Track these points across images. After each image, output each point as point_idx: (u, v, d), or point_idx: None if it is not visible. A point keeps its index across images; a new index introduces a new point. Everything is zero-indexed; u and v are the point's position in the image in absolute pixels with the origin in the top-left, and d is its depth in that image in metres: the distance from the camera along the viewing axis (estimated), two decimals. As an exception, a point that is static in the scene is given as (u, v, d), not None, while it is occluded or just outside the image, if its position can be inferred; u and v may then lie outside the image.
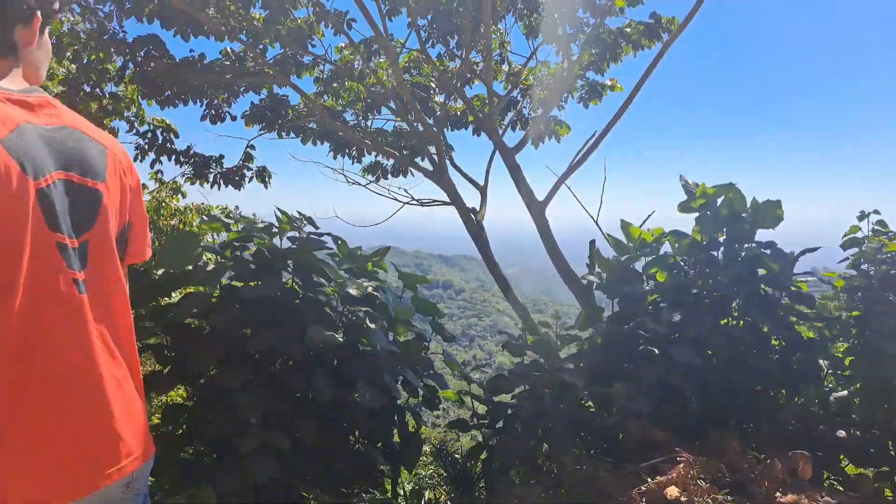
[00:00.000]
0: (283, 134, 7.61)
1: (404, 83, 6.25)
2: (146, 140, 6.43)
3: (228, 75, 6.82)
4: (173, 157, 6.49)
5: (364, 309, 3.16)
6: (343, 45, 7.78)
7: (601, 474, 2.31)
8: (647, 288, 3.60)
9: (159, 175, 6.87)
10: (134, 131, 6.39)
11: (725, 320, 3.46)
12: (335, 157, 8.39)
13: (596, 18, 7.53)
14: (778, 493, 2.17)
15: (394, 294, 3.28)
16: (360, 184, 7.45)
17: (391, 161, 8.79)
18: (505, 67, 8.39)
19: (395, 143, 8.59)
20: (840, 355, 3.40)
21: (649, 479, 2.20)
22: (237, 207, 3.49)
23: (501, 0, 7.77)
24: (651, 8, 7.42)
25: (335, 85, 7.70)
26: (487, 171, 6.46)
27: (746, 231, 3.41)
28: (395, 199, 7.01)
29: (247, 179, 6.84)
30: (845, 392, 3.15)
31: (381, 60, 8.00)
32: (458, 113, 8.58)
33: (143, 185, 7.62)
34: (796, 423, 3.08)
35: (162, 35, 6.53)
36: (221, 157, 6.76)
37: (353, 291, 3.17)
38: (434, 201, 6.62)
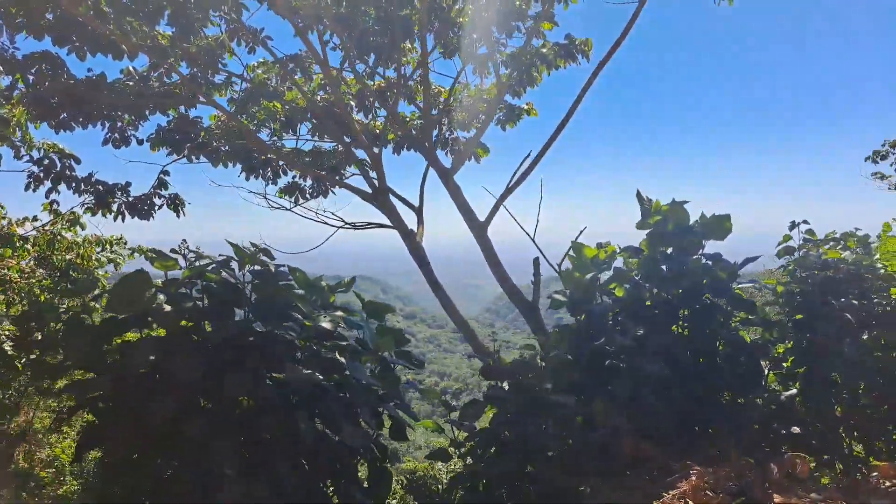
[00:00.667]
0: (194, 158, 7.13)
1: (341, 99, 6.08)
2: (41, 167, 5.72)
3: (132, 96, 6.28)
4: (72, 185, 5.81)
5: (342, 343, 3.00)
6: (256, 63, 7.46)
7: (613, 494, 2.33)
8: (607, 303, 3.72)
9: (54, 206, 6.13)
10: (26, 158, 5.67)
11: (676, 329, 3.64)
12: (248, 179, 7.99)
13: (509, 38, 7.80)
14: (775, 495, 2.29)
15: (369, 326, 3.14)
16: (284, 208, 7.10)
17: (308, 182, 8.52)
18: (424, 88, 8.44)
19: (313, 163, 8.34)
20: (779, 355, 3.70)
21: (665, 495, 2.24)
22: (184, 241, 3.15)
23: (418, 19, 7.81)
24: (566, 29, 7.74)
25: (249, 104, 7.33)
26: (422, 192, 6.43)
27: (694, 244, 3.63)
28: (326, 223, 6.74)
29: (156, 208, 6.29)
30: (794, 391, 3.42)
31: (298, 78, 7.75)
32: (378, 131, 8.50)
33: (34, 217, 6.81)
34: (756, 423, 3.30)
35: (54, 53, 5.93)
36: (128, 184, 6.17)
37: (326, 325, 2.99)
38: (369, 224, 6.45)
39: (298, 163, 7.21)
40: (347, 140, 8.31)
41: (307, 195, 8.52)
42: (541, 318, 4.81)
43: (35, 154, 5.74)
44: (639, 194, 3.60)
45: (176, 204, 6.45)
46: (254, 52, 6.87)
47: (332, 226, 6.59)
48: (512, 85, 8.04)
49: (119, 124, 6.18)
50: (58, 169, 5.76)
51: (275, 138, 8.01)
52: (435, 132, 8.52)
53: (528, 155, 5.40)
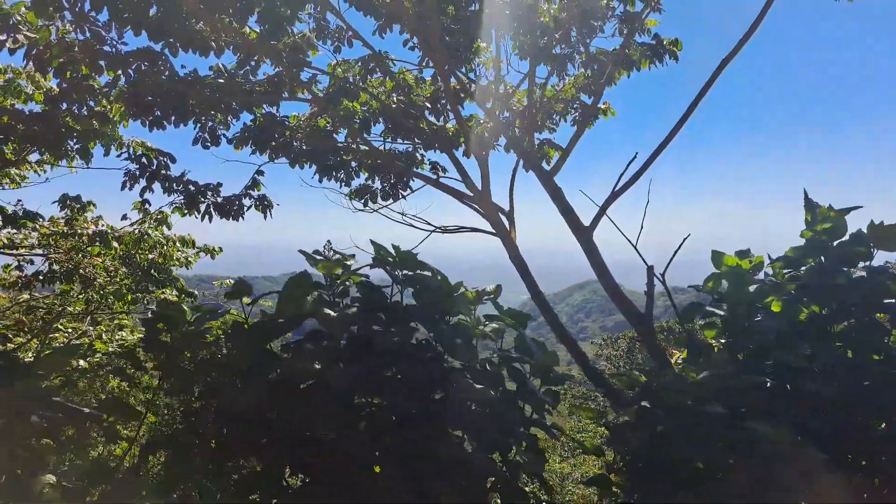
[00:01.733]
0: (274, 158, 7.05)
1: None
2: (138, 166, 5.66)
3: (225, 94, 6.21)
4: (165, 184, 5.75)
5: (514, 357, 2.81)
6: (336, 61, 7.35)
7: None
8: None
9: (146, 205, 6.09)
10: (124, 156, 5.62)
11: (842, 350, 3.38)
12: (321, 181, 7.88)
13: (590, 38, 7.59)
14: None
15: (535, 340, 2.95)
16: (372, 210, 6.98)
17: (379, 184, 8.39)
18: (501, 89, 8.27)
19: (382, 164, 8.21)
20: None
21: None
22: (329, 242, 3.02)
23: (496, 20, 7.64)
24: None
25: (330, 105, 7.22)
26: (511, 194, 6.21)
27: (862, 255, 3.37)
28: (413, 226, 6.57)
29: (245, 209, 6.20)
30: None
31: (375, 78, 7.64)
32: (452, 133, 8.34)
33: (123, 215, 6.81)
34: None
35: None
36: (219, 184, 6.09)
37: (491, 335, 2.81)
38: (461, 228, 6.27)
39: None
40: (419, 141, 8.20)
41: (378, 198, 8.38)
42: (655, 336, 4.57)
43: (131, 152, 5.69)
44: (807, 198, 3.36)
45: (264, 205, 6.35)
46: (339, 51, 6.77)
47: (423, 229, 6.42)
48: (588, 85, 7.85)
49: (210, 123, 6.10)
50: (154, 168, 5.70)
51: (348, 140, 7.90)
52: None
53: (635, 157, 5.16)
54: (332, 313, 2.63)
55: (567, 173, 7.71)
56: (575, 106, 8.16)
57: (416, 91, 8.02)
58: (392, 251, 3.01)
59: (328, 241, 3.22)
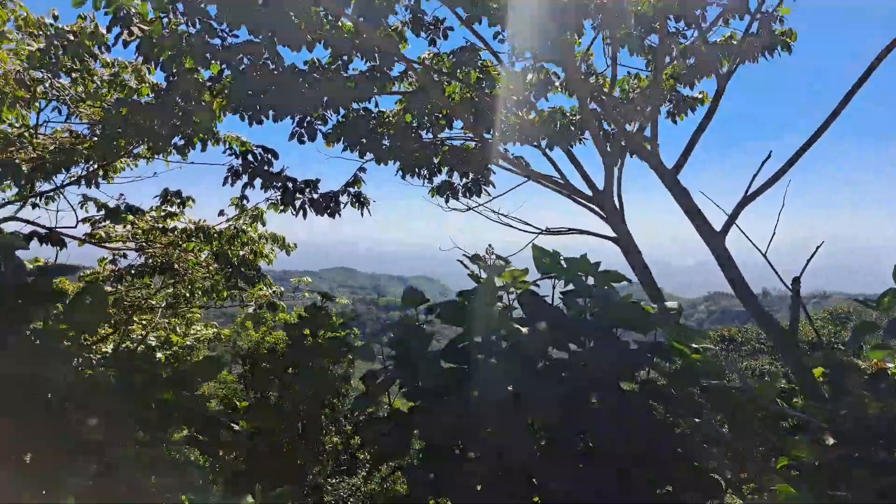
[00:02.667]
0: (362, 154, 6.88)
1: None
2: (242, 162, 5.57)
3: (317, 88, 6.07)
4: (265, 181, 5.64)
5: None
6: (426, 54, 7.14)
7: None
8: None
9: (244, 201, 6.00)
10: (230, 151, 5.54)
11: None
12: (403, 178, 7.70)
13: (689, 28, 7.21)
14: None
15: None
16: (467, 208, 6.74)
17: (460, 180, 8.17)
18: (592, 80, 7.95)
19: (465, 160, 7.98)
20: None
21: None
22: (490, 246, 2.81)
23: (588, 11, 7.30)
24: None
25: (420, 99, 7.02)
26: (619, 193, 5.87)
27: None
28: (511, 226, 6.32)
29: (342, 206, 6.05)
30: None
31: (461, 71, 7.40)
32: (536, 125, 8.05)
33: (220, 211, 6.76)
34: None
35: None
36: (317, 181, 5.96)
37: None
38: (570, 230, 5.97)
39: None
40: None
41: (458, 195, 8.16)
42: (800, 354, 4.21)
43: (236, 149, 5.61)
44: None
45: (361, 202, 6.19)
46: (434, 43, 6.56)
47: (525, 231, 6.15)
48: (685, 74, 7.47)
49: (308, 118, 5.97)
50: (256, 164, 5.60)
51: (433, 135, 7.69)
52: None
53: (769, 157, 4.79)
54: (522, 330, 2.40)
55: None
56: (670, 97, 7.81)
57: (500, 83, 7.77)
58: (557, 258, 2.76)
59: (489, 245, 3.00)
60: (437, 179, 8.05)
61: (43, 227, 5.48)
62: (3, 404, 2.14)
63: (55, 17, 5.11)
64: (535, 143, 8.23)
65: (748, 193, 4.77)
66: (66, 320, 2.55)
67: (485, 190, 8.10)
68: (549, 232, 5.94)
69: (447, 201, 8.18)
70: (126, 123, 4.73)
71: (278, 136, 7.48)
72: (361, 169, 6.34)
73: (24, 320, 2.45)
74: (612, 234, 5.44)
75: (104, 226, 6.25)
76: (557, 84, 7.93)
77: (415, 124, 7.42)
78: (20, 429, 2.15)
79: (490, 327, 2.46)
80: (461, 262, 3.07)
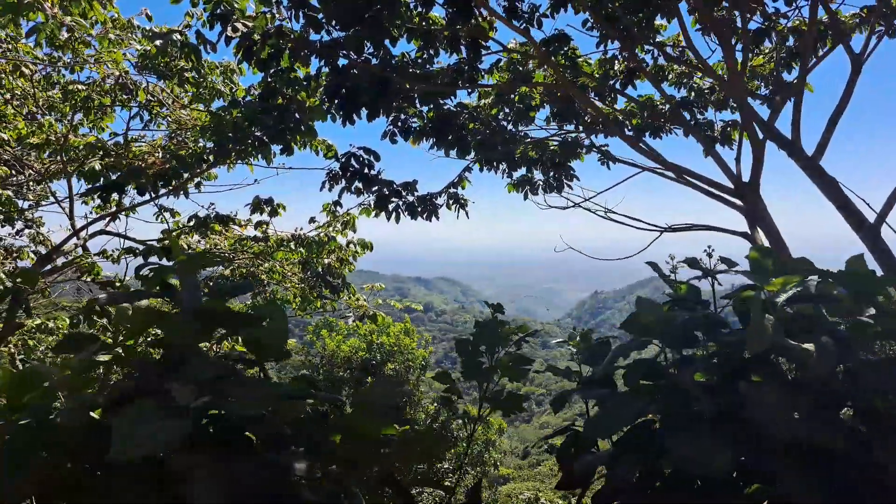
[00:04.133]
0: (449, 151, 6.52)
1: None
2: (343, 165, 5.23)
3: (415, 82, 5.72)
4: (365, 184, 5.29)
5: None
6: (513, 43, 6.74)
7: None
8: None
9: (338, 207, 5.66)
10: (332, 155, 5.20)
11: None
12: (481, 171, 7.32)
13: (788, 6, 6.68)
14: None
15: None
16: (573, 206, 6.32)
17: (540, 176, 7.77)
18: (678, 68, 7.49)
19: (543, 156, 7.56)
20: None
21: None
22: (671, 256, 2.43)
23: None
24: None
25: (507, 92, 6.62)
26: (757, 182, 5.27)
27: None
28: (620, 222, 5.87)
29: (439, 208, 5.67)
30: None
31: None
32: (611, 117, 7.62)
33: (311, 218, 6.45)
34: None
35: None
36: (415, 182, 5.59)
37: None
38: (693, 226, 5.50)
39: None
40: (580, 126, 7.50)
41: (537, 190, 7.76)
42: None
43: (337, 152, 5.28)
44: None
45: (459, 203, 5.81)
46: (528, 32, 6.14)
47: (643, 229, 5.70)
48: (784, 58, 6.94)
49: (402, 115, 5.61)
50: (356, 168, 5.25)
51: (512, 127, 7.29)
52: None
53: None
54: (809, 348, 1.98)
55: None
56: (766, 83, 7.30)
57: (585, 69, 7.34)
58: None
59: (709, 246, 2.58)
60: (516, 174, 7.67)
61: (138, 240, 5.21)
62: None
63: (148, 18, 4.84)
64: (617, 135, 7.81)
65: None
66: (251, 346, 2.21)
67: (566, 184, 7.69)
68: (671, 229, 5.48)
69: (525, 197, 7.78)
70: (236, 127, 4.42)
71: (349, 139, 7.09)
72: (468, 168, 5.94)
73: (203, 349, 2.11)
74: (745, 230, 4.98)
75: (185, 238, 5.95)
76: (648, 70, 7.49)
77: (501, 117, 7.04)
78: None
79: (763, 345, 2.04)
80: (652, 266, 2.66)
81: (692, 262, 2.47)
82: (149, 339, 2.30)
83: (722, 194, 5.07)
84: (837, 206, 4.46)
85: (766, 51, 7.42)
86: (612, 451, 2.21)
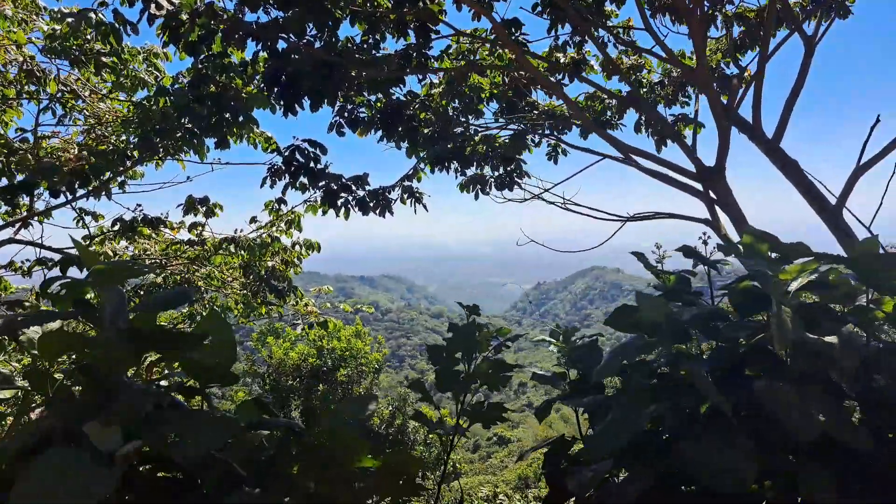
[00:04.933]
0: (399, 143, 6.19)
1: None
2: (286, 159, 4.80)
3: (354, 70, 5.35)
4: (311, 179, 4.89)
5: None
6: (464, 31, 6.47)
7: None
8: None
9: (282, 205, 5.22)
10: (274, 149, 4.77)
11: None
12: (433, 171, 7.02)
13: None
14: None
15: None
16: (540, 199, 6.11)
17: (495, 172, 7.56)
18: (626, 60, 7.44)
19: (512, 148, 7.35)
20: None
21: None
22: (706, 235, 2.22)
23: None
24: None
25: (456, 83, 6.36)
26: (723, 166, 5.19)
27: None
28: (587, 215, 5.71)
29: (393, 203, 5.34)
30: None
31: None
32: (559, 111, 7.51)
33: (252, 218, 5.96)
34: None
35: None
36: (366, 175, 5.23)
37: None
38: (656, 214, 5.39)
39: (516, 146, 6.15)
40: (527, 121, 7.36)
41: (488, 188, 7.56)
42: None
43: (279, 145, 4.85)
44: None
45: (415, 197, 5.50)
46: (479, 18, 5.89)
47: (606, 219, 5.55)
48: (737, 43, 6.98)
49: (350, 105, 5.25)
50: (301, 161, 4.84)
51: (466, 121, 7.05)
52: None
53: (877, 122, 4.33)
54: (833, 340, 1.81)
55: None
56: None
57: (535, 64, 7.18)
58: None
59: (704, 233, 2.40)
60: (469, 172, 7.43)
61: (55, 249, 4.62)
62: None
63: (55, -4, 4.27)
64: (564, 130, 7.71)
65: (861, 163, 4.30)
66: (191, 369, 1.85)
67: (517, 182, 7.52)
68: (634, 218, 5.37)
69: (476, 197, 7.57)
70: (165, 118, 3.94)
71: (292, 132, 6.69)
72: (423, 161, 5.63)
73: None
74: (706, 217, 4.93)
75: (110, 245, 5.37)
76: (596, 65, 7.41)
77: (450, 111, 6.77)
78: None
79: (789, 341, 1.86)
80: (638, 255, 2.47)
81: (687, 251, 2.28)
82: (71, 366, 1.90)
83: (686, 180, 5.01)
84: (799, 189, 4.46)
85: (713, 39, 7.48)
86: (611, 463, 1.98)
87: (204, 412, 1.70)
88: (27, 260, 5.09)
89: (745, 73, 5.95)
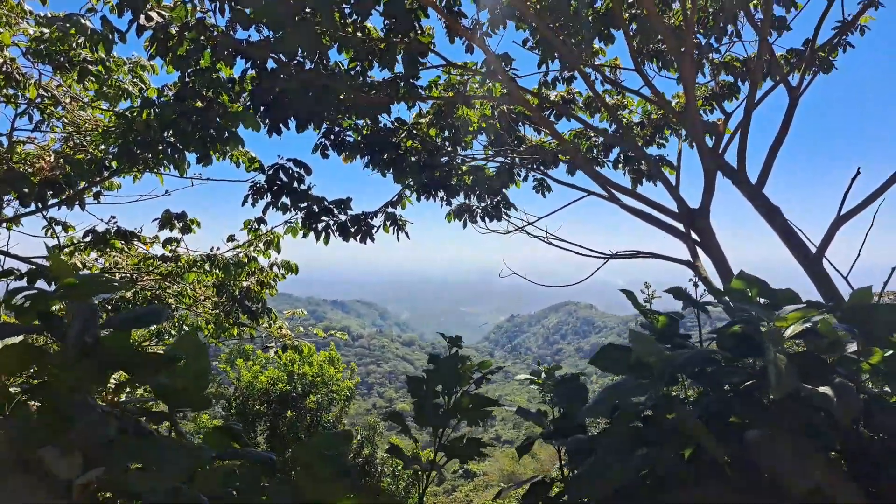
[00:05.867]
0: (385, 171, 6.16)
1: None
2: (268, 179, 4.72)
3: (342, 95, 5.34)
4: (293, 200, 4.82)
5: None
6: (452, 64, 6.53)
7: None
8: None
9: (261, 225, 5.12)
10: (256, 168, 4.69)
11: None
12: (419, 199, 7.00)
13: (719, 43, 6.91)
14: None
15: None
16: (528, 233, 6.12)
17: (479, 203, 7.57)
18: (609, 101, 7.59)
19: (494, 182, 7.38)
20: None
21: None
22: (698, 273, 2.22)
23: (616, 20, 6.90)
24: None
25: (444, 116, 6.39)
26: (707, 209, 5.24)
27: None
28: (568, 249, 5.71)
29: (375, 230, 5.27)
30: None
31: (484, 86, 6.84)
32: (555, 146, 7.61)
33: (230, 236, 5.81)
34: None
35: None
36: (349, 199, 5.17)
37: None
38: (638, 253, 5.40)
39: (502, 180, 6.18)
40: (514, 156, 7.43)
41: (476, 219, 7.57)
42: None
43: (262, 164, 4.77)
44: None
45: (398, 225, 5.44)
46: (472, 50, 5.94)
47: (590, 256, 5.54)
48: (718, 95, 7.18)
49: (336, 128, 5.21)
50: (284, 181, 4.76)
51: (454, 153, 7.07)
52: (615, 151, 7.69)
53: (858, 174, 4.45)
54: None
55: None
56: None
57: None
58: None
59: (694, 276, 2.40)
60: (455, 202, 7.43)
61: (21, 258, 4.43)
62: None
63: (43, 2, 4.17)
64: (550, 167, 7.79)
65: (842, 214, 4.39)
66: (162, 392, 1.74)
67: (504, 213, 7.54)
68: (617, 256, 5.37)
69: (465, 226, 7.56)
70: (148, 131, 3.84)
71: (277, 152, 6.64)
72: (408, 187, 5.59)
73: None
74: (687, 259, 4.96)
75: (79, 257, 5.18)
76: (581, 103, 7.55)
77: (438, 141, 6.79)
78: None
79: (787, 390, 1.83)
80: (627, 294, 2.44)
81: (678, 293, 2.26)
82: (26, 385, 1.77)
83: (669, 220, 5.05)
84: (781, 235, 4.53)
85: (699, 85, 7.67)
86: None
87: (170, 439, 1.60)
88: (16, 269, 4.88)
89: (727, 120, 6.11)
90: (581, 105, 7.51)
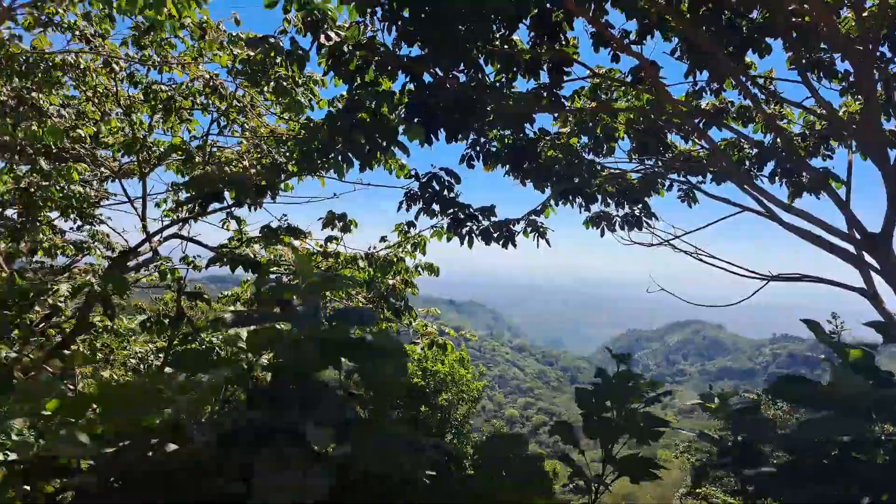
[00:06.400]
0: (525, 180, 6.25)
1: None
2: (421, 186, 5.04)
3: (489, 106, 5.50)
4: (442, 206, 5.08)
5: None
6: (596, 70, 6.48)
7: None
8: None
9: (412, 228, 5.46)
10: (406, 175, 5.03)
11: None
12: (557, 204, 6.99)
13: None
14: None
15: None
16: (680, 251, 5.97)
17: (618, 211, 7.41)
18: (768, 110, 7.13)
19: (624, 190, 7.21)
20: None
21: None
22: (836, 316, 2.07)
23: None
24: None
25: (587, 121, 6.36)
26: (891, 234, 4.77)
27: None
28: (718, 266, 5.48)
29: (516, 235, 5.39)
30: None
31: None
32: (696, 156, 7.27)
33: (382, 237, 6.28)
34: None
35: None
36: (493, 207, 5.35)
37: None
38: (804, 277, 5.04)
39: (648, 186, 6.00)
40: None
41: (614, 227, 7.41)
42: None
43: (416, 171, 5.10)
44: None
45: (539, 232, 5.53)
46: (618, 59, 5.87)
47: (742, 275, 5.29)
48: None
49: (482, 139, 5.40)
50: (435, 189, 5.05)
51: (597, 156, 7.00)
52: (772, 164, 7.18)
53: None
54: None
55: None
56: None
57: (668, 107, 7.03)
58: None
59: (878, 307, 2.23)
60: (594, 208, 7.33)
61: (211, 247, 5.07)
62: None
63: (237, 22, 4.77)
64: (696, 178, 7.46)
65: None
66: (371, 384, 1.93)
67: (646, 222, 7.33)
68: (779, 278, 5.04)
69: (602, 234, 7.44)
70: (332, 138, 4.27)
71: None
72: (553, 196, 5.67)
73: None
74: (861, 286, 4.54)
75: (256, 248, 5.81)
76: (733, 112, 7.16)
77: (579, 148, 6.77)
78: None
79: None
80: (809, 324, 2.31)
81: (880, 328, 2.12)
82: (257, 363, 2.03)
83: (838, 241, 4.63)
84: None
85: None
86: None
87: (387, 428, 1.77)
88: (198, 256, 5.79)
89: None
90: (734, 114, 7.11)
